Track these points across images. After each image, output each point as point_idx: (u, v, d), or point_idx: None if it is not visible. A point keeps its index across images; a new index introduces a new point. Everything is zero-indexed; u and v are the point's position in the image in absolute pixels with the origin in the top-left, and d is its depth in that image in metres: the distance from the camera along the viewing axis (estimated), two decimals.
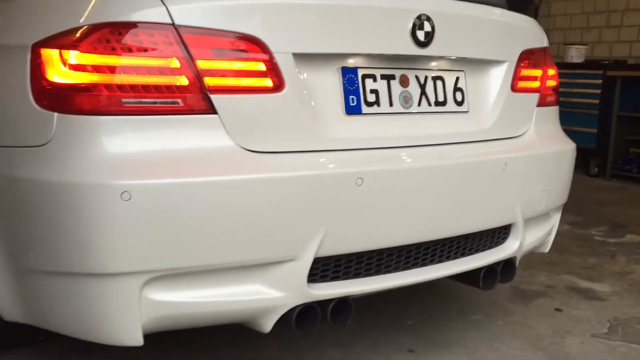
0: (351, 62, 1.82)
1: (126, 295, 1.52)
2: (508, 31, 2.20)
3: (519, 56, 2.18)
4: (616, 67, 6.10)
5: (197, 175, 1.53)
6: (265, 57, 1.63)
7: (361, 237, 1.76)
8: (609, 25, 7.06)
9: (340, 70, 1.80)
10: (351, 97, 1.81)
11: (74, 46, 1.51)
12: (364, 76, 1.84)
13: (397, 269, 1.88)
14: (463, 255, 2.05)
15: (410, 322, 2.50)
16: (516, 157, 2.11)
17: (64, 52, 1.52)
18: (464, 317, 2.57)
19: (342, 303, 1.77)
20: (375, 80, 1.86)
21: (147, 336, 1.58)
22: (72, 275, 1.53)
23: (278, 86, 1.66)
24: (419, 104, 1.95)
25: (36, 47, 1.56)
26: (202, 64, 1.57)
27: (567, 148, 2.32)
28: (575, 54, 6.54)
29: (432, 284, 2.21)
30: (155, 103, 1.53)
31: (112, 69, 1.50)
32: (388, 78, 1.89)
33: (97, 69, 1.50)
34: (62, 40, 1.53)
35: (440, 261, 1.99)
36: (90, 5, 1.54)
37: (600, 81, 6.07)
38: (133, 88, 1.51)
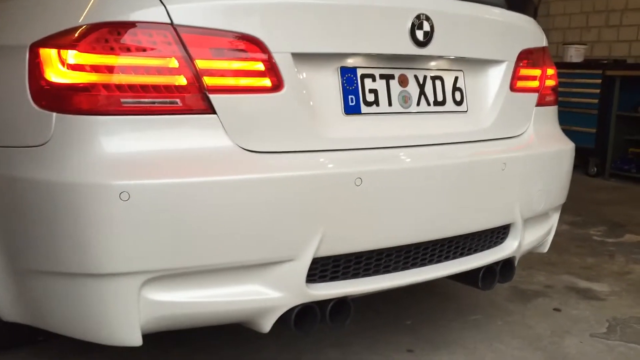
0: (350, 62, 1.82)
1: (125, 296, 1.51)
2: (507, 31, 2.19)
3: (517, 56, 2.17)
4: (615, 67, 6.09)
5: (196, 175, 1.52)
6: (264, 56, 1.63)
7: (360, 237, 1.76)
8: (608, 24, 7.06)
9: (339, 70, 1.80)
10: (350, 96, 1.81)
11: (72, 46, 1.50)
12: (363, 76, 1.84)
13: (396, 269, 1.88)
14: (462, 255, 2.05)
15: (409, 322, 2.50)
16: (515, 157, 2.11)
17: (63, 51, 1.51)
18: (463, 317, 2.57)
19: (341, 303, 1.77)
20: (374, 80, 1.86)
21: (147, 336, 1.58)
22: (70, 276, 1.53)
23: (277, 86, 1.66)
24: (418, 104, 1.95)
25: (34, 47, 1.56)
26: (201, 64, 1.57)
27: (566, 148, 2.32)
28: (575, 54, 6.54)
29: (431, 284, 2.21)
30: (153, 103, 1.53)
31: (110, 69, 1.50)
32: (387, 78, 1.89)
33: (95, 68, 1.50)
34: (61, 40, 1.52)
35: (439, 261, 1.99)
36: (89, 5, 1.54)
37: (599, 81, 6.07)
38: (132, 88, 1.51)
